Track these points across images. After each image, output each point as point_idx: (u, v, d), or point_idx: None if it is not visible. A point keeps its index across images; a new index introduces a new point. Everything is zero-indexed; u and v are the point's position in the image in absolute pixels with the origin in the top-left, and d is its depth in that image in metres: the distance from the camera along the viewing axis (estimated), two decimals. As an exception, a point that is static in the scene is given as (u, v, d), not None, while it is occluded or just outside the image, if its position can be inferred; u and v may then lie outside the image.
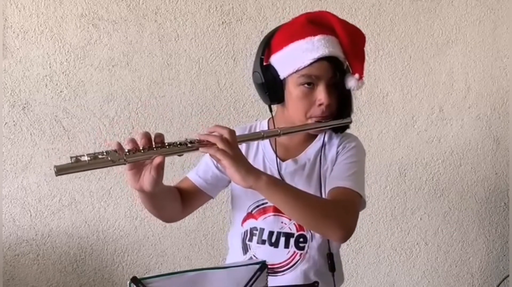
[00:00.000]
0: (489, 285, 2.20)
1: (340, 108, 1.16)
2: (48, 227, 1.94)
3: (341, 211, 1.07)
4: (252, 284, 0.81)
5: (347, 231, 1.07)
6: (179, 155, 1.02)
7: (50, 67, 1.90)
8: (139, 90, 1.95)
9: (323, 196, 1.15)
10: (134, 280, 0.77)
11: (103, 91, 1.93)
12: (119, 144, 0.95)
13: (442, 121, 2.11)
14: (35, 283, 1.95)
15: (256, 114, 1.99)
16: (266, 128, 1.25)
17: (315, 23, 1.14)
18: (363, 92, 2.03)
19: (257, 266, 0.83)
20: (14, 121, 1.89)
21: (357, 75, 1.13)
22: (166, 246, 2.01)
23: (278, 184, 1.06)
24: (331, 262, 1.18)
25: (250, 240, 1.20)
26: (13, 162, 1.90)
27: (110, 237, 1.98)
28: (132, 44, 1.93)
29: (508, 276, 2.13)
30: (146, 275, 0.77)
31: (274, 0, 1.99)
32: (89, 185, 1.94)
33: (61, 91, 1.91)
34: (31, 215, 1.93)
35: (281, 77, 1.14)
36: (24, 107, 1.90)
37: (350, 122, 1.19)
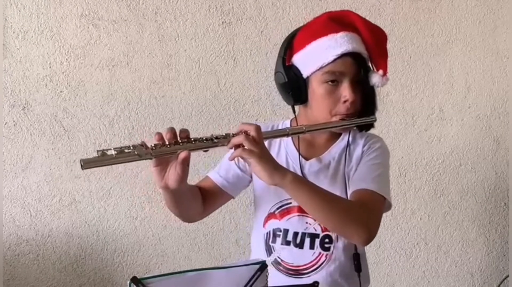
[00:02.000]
0: (489, 285, 2.20)
1: (365, 105, 1.15)
2: (48, 227, 1.94)
3: (365, 214, 1.06)
4: (252, 284, 0.81)
5: (370, 234, 1.06)
6: (205, 151, 1.03)
7: (50, 67, 1.90)
8: (139, 90, 1.95)
9: (348, 196, 1.14)
10: (134, 280, 0.77)
11: (103, 91, 1.93)
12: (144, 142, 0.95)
13: (442, 121, 2.11)
14: (35, 283, 1.95)
15: (256, 114, 1.99)
16: None
17: (337, 21, 1.14)
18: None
19: (257, 266, 0.83)
20: (14, 121, 1.89)
21: (381, 72, 1.13)
22: (166, 246, 2.01)
23: (303, 182, 1.05)
24: (357, 262, 1.16)
25: (274, 241, 1.18)
26: (13, 162, 1.90)
27: (110, 237, 1.98)
28: (132, 44, 1.93)
29: (508, 276, 2.13)
30: (146, 275, 0.77)
31: (274, 0, 1.99)
32: (89, 185, 1.94)
33: (61, 91, 1.91)
34: (31, 215, 1.93)
35: (304, 75, 1.13)
36: (24, 107, 1.90)
37: (375, 121, 1.17)
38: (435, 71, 2.09)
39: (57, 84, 1.91)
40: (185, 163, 0.96)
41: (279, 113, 1.97)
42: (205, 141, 0.99)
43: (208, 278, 0.80)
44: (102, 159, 0.91)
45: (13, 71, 1.88)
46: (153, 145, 0.95)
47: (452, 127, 2.12)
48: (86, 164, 0.90)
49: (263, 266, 0.83)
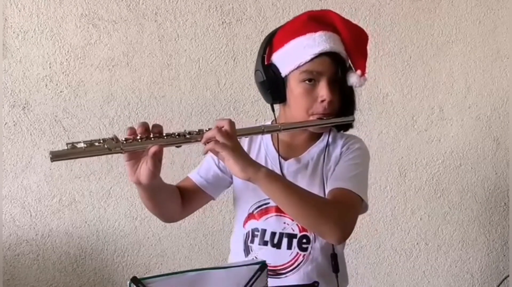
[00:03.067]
0: (489, 285, 2.20)
1: (343, 105, 1.15)
2: (48, 227, 1.94)
3: (339, 212, 1.05)
4: (252, 284, 0.81)
5: (344, 232, 1.05)
6: (177, 147, 1.02)
7: (50, 67, 1.90)
8: (139, 90, 1.95)
9: (326, 195, 1.14)
10: (134, 280, 0.77)
11: (103, 91, 1.93)
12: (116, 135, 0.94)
13: (442, 121, 2.11)
14: (35, 283, 1.95)
15: (256, 114, 1.99)
16: None
17: (317, 20, 1.14)
18: (363, 92, 2.02)
19: (257, 266, 0.83)
20: (14, 121, 1.89)
21: (359, 72, 1.13)
22: (166, 246, 2.01)
23: (277, 177, 1.05)
24: (335, 263, 1.16)
25: (252, 241, 1.18)
26: (13, 162, 1.90)
27: (110, 237, 1.98)
28: (132, 44, 1.93)
29: (508, 276, 2.13)
30: (146, 275, 0.77)
31: (274, 0, 1.99)
32: (89, 185, 1.94)
33: (61, 91, 1.91)
34: (31, 215, 1.93)
35: (283, 74, 1.13)
36: (24, 107, 1.90)
37: (353, 120, 1.17)
38: (435, 71, 2.09)
39: (57, 84, 1.91)
40: (156, 158, 0.96)
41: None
42: (177, 136, 0.98)
43: (208, 278, 0.80)
44: (71, 152, 0.91)
45: (13, 71, 1.88)
46: (123, 139, 0.95)
47: (452, 127, 2.12)
48: (55, 156, 0.89)
49: (263, 266, 0.83)
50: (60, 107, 1.91)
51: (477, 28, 2.09)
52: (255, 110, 1.99)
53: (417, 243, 2.15)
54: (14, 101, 1.89)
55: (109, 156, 1.91)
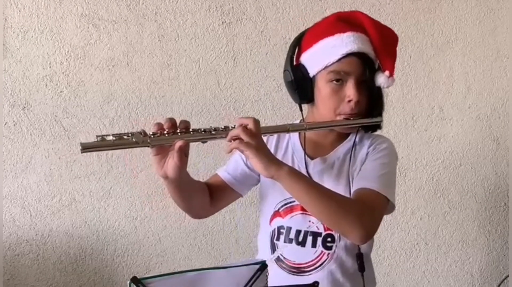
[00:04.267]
0: (489, 285, 2.20)
1: (370, 106, 1.15)
2: (48, 227, 1.94)
3: (362, 211, 1.05)
4: (252, 284, 0.81)
5: (367, 232, 1.05)
6: (203, 142, 1.04)
7: (50, 67, 1.90)
8: (139, 90, 1.95)
9: (351, 194, 1.13)
10: (134, 280, 0.77)
11: (103, 91, 1.93)
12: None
13: (442, 121, 2.11)
14: (35, 283, 1.95)
15: (256, 114, 1.97)
16: None
17: (345, 21, 1.15)
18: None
19: (257, 266, 0.83)
20: (14, 121, 1.89)
21: (387, 72, 1.14)
22: (166, 246, 2.01)
23: (299, 176, 1.05)
24: (360, 262, 1.15)
25: (278, 239, 1.19)
26: (13, 162, 1.90)
27: (110, 237, 1.98)
28: (132, 44, 1.93)
29: (508, 276, 2.13)
30: (146, 275, 0.77)
31: (274, 0, 1.99)
32: (89, 185, 1.94)
33: (61, 91, 1.91)
34: (31, 215, 1.93)
35: (311, 74, 1.14)
36: (24, 107, 1.90)
37: (381, 121, 1.17)
38: (435, 71, 2.09)
39: (57, 84, 1.91)
40: (182, 152, 0.98)
41: (279, 113, 1.97)
42: (203, 132, 1.01)
43: (208, 278, 0.80)
44: (100, 145, 0.95)
45: (13, 71, 1.88)
46: (151, 133, 0.98)
47: (452, 127, 2.12)
48: (85, 148, 0.93)
49: (263, 266, 0.83)
50: (60, 107, 1.91)
51: (477, 28, 2.09)
52: (255, 110, 1.99)
53: (417, 243, 2.15)
54: (14, 101, 1.89)
55: (109, 156, 1.92)
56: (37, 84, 1.90)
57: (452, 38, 2.09)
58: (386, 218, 2.10)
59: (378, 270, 2.12)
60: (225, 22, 1.97)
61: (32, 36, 1.88)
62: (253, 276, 0.82)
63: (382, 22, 1.20)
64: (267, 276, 0.84)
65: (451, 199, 2.14)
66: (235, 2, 1.97)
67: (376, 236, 2.18)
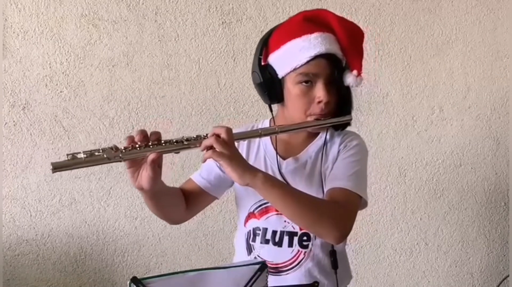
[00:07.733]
0: (489, 285, 2.20)
1: (340, 105, 1.15)
2: (48, 227, 1.94)
3: (337, 212, 1.06)
4: (252, 284, 0.81)
5: (342, 232, 1.06)
6: (176, 153, 1.03)
7: (50, 67, 1.90)
8: (139, 90, 1.95)
9: (324, 194, 1.14)
10: (134, 280, 0.77)
11: (103, 91, 1.93)
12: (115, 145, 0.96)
13: (442, 121, 2.11)
14: (35, 283, 1.95)
15: (256, 114, 1.99)
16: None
17: (312, 21, 1.14)
18: (363, 92, 2.03)
19: (257, 266, 0.83)
20: (14, 121, 1.89)
21: (355, 72, 1.13)
22: (166, 246, 2.01)
23: (274, 182, 1.05)
24: (334, 259, 1.17)
25: (254, 240, 1.20)
26: (13, 162, 1.90)
27: (110, 237, 1.98)
28: (132, 44, 1.93)
29: (508, 276, 2.13)
30: (146, 275, 0.77)
31: (274, 0, 1.99)
32: (89, 185, 1.94)
33: (61, 91, 1.91)
34: (31, 215, 1.93)
35: (279, 76, 1.14)
36: (24, 107, 1.90)
37: (350, 120, 1.18)
38: (435, 71, 2.09)
39: (57, 84, 1.91)
40: (155, 164, 0.98)
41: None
42: (175, 143, 1.00)
43: (208, 278, 0.80)
44: (71, 163, 0.94)
45: (13, 71, 1.88)
46: (123, 148, 0.97)
47: (452, 127, 2.12)
48: (56, 168, 0.92)
49: (263, 266, 0.83)
50: (60, 107, 1.91)
51: (477, 28, 2.10)
52: (255, 110, 1.99)
53: (417, 243, 2.15)
54: (14, 101, 1.89)
55: (109, 156, 1.92)
56: (37, 84, 1.90)
57: (452, 38, 2.09)
58: (386, 218, 2.11)
59: (378, 270, 2.13)
60: (225, 22, 1.97)
61: (32, 36, 1.88)
62: (253, 276, 0.82)
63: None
64: (267, 276, 0.84)
65: (451, 199, 2.14)
66: (235, 2, 1.97)
67: (376, 236, 2.20)
